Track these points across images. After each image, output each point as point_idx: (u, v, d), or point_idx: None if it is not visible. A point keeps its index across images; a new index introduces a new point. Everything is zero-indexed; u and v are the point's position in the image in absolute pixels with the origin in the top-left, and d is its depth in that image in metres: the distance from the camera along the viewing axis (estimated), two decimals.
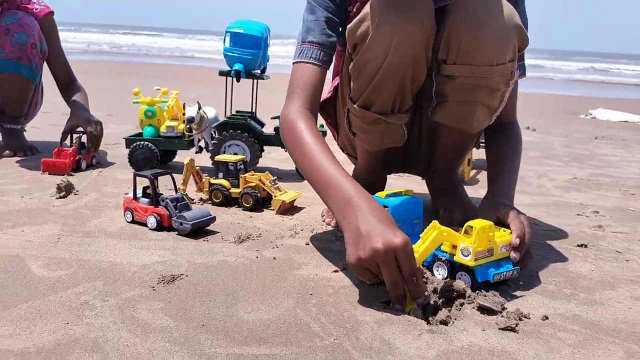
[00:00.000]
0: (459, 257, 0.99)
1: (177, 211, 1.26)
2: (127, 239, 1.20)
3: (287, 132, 1.17)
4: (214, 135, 1.86)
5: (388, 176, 1.60)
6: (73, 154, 1.81)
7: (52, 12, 2.12)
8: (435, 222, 0.98)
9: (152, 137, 1.86)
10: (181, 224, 1.24)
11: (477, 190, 1.84)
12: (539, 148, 3.06)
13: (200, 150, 1.95)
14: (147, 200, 1.31)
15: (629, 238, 1.41)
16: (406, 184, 1.87)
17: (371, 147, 1.35)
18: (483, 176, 2.06)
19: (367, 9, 1.13)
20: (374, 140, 1.31)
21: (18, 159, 1.98)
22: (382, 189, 1.53)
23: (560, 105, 6.35)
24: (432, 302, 0.92)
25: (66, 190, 1.52)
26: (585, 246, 1.31)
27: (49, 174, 1.75)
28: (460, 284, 0.96)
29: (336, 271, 1.07)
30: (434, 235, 0.97)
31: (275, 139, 1.84)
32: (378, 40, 1.12)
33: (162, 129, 1.87)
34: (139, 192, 1.33)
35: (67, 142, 1.90)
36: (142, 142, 1.82)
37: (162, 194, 1.31)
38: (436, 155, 1.46)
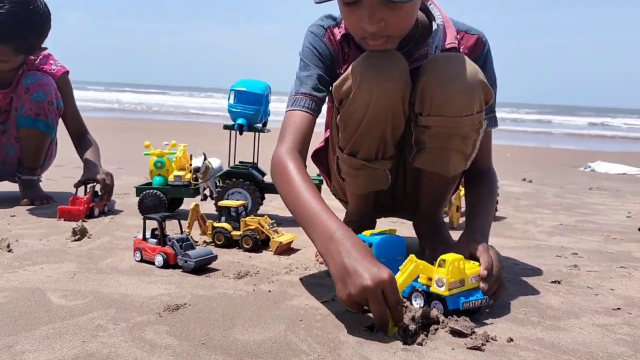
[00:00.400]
0: (434, 288, 1.10)
1: (182, 250, 1.38)
2: (136, 275, 1.32)
3: (277, 172, 1.29)
4: (218, 183, 2.00)
5: (385, 221, 1.71)
6: (87, 202, 1.95)
7: (67, 72, 2.32)
8: (412, 256, 1.09)
9: (161, 186, 2.00)
10: (186, 261, 1.36)
11: None
12: (532, 198, 3.18)
13: (205, 197, 2.09)
14: (155, 240, 1.43)
15: (601, 276, 1.51)
16: (400, 227, 1.99)
17: (358, 191, 1.48)
18: None
19: (350, 69, 1.29)
20: (360, 184, 1.45)
21: (35, 207, 2.13)
22: None
23: (561, 159, 6.50)
24: (410, 328, 1.03)
25: (80, 234, 1.65)
26: (559, 282, 1.42)
27: (65, 220, 1.89)
28: (435, 311, 1.06)
29: (325, 301, 1.18)
30: (411, 268, 1.08)
31: (275, 187, 1.98)
32: (360, 96, 1.27)
33: (170, 178, 2.01)
34: (148, 234, 1.46)
35: (81, 193, 2.04)
36: (151, 190, 1.96)
37: (168, 235, 1.44)
38: (420, 200, 1.59)
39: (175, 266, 1.39)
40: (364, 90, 1.27)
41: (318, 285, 1.30)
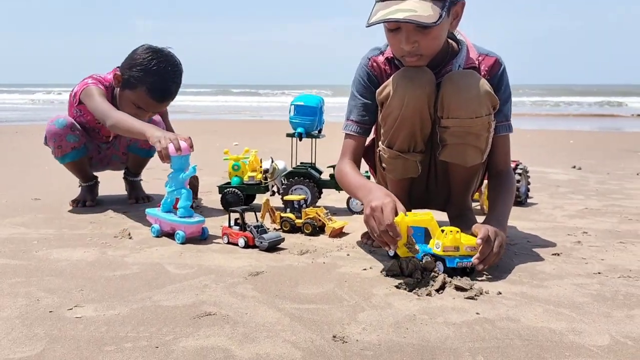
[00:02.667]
0: (435, 250, 1.48)
1: (258, 234, 1.82)
2: (226, 253, 1.77)
3: (338, 175, 1.83)
4: (283, 181, 2.43)
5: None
6: None
7: None
8: (429, 212, 1.48)
9: (238, 185, 2.46)
10: (261, 242, 1.79)
11: None
12: (572, 185, 3.39)
13: (273, 193, 2.53)
14: (237, 227, 1.88)
15: (600, 250, 1.82)
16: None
17: (394, 176, 1.87)
18: None
19: (390, 79, 1.69)
20: (396, 171, 1.83)
21: (139, 204, 2.64)
22: None
23: (628, 144, 6.45)
24: (434, 290, 1.40)
25: None
26: (559, 255, 1.74)
27: None
28: (464, 281, 1.42)
29: (365, 269, 1.58)
30: (425, 217, 1.48)
31: (330, 183, 2.39)
32: (395, 99, 1.67)
33: (245, 178, 2.47)
34: (232, 223, 1.91)
35: None
36: (230, 189, 2.42)
37: (247, 223, 1.87)
38: (451, 190, 1.95)
39: (254, 246, 1.82)
40: (398, 95, 1.67)
41: (360, 259, 1.70)
